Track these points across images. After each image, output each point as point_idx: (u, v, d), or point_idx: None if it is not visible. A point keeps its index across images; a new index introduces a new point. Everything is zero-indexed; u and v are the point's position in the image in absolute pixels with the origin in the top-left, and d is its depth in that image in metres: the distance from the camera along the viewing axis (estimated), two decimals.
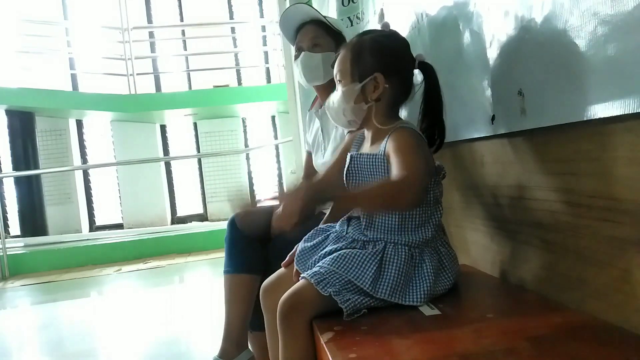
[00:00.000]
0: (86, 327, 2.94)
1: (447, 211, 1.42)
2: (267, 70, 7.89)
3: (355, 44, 1.05)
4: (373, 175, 1.01)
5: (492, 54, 1.06)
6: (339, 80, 1.06)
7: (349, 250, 0.98)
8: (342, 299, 0.90)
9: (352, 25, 2.04)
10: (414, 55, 1.06)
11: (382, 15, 1.72)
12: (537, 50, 0.90)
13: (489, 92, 1.09)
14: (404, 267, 0.94)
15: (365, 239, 1.00)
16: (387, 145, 0.98)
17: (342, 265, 0.94)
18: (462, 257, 1.36)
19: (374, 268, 0.93)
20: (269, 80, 7.84)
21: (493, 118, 1.08)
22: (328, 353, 0.79)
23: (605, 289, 0.82)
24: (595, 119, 0.78)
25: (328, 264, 0.95)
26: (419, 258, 0.97)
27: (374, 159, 1.01)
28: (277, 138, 7.86)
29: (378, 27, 1.14)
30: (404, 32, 1.53)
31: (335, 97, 1.06)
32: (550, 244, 0.97)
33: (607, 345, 0.71)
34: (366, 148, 1.06)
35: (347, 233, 1.04)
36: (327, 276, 0.92)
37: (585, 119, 0.80)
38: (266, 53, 7.75)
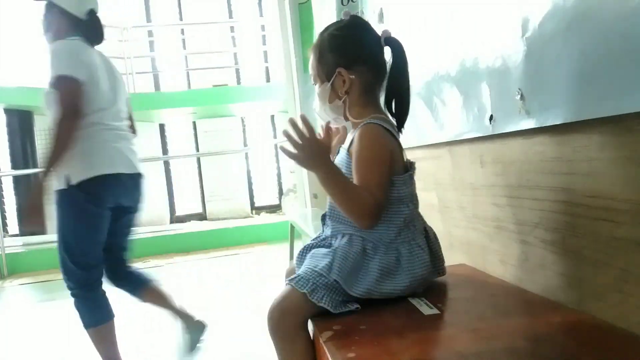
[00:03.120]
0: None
1: (446, 211, 1.43)
2: (267, 70, 7.89)
3: (315, 45, 1.05)
4: (346, 171, 0.99)
5: (491, 53, 1.06)
6: (314, 84, 1.07)
7: (320, 247, 0.99)
8: (317, 296, 0.91)
9: None
10: (380, 33, 1.04)
11: (381, 15, 1.72)
12: (536, 50, 0.90)
13: (487, 92, 1.09)
14: (353, 256, 0.94)
15: (331, 234, 1.01)
16: (353, 143, 0.98)
17: (312, 262, 0.95)
18: (461, 256, 1.36)
19: (331, 256, 0.94)
20: (268, 80, 7.84)
21: (492, 118, 1.08)
22: (327, 352, 0.79)
23: (604, 288, 0.83)
24: (594, 119, 0.78)
25: (305, 265, 0.97)
26: (371, 253, 0.95)
27: (345, 155, 1.02)
28: (277, 137, 7.86)
29: (375, 24, 1.14)
30: (402, 31, 1.53)
31: (315, 100, 1.08)
32: (549, 243, 0.97)
33: (606, 345, 0.71)
34: (347, 142, 1.05)
35: (323, 232, 1.06)
36: (303, 276, 0.94)
37: (583, 118, 0.80)
38: (265, 52, 7.74)
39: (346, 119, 1.05)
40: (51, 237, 6.56)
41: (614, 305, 0.80)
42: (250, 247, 4.85)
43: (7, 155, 6.94)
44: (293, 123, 0.89)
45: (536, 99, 0.92)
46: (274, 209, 7.74)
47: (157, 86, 7.79)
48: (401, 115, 1.04)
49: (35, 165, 6.83)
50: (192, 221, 7.31)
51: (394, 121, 1.04)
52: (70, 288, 1.78)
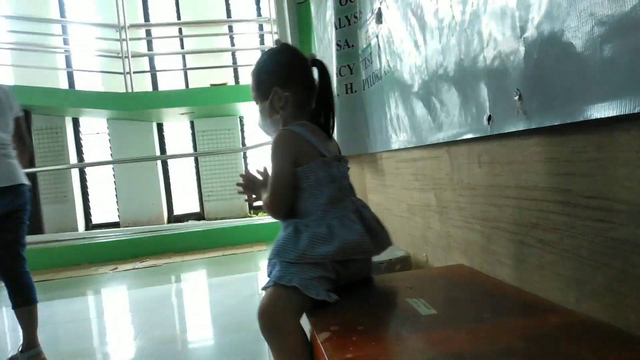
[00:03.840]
0: (82, 326, 2.93)
1: (444, 211, 1.43)
2: None
3: (253, 71, 1.23)
4: None
5: (489, 53, 1.06)
6: (256, 104, 1.25)
7: None
8: (287, 279, 1.02)
9: (349, 24, 2.04)
10: (307, 56, 1.20)
11: (379, 15, 1.72)
12: (534, 50, 0.90)
13: (485, 93, 1.09)
14: (285, 235, 1.11)
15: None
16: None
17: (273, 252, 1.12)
18: (459, 257, 1.36)
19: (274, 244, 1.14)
20: None
21: (490, 118, 1.08)
22: (324, 353, 0.79)
23: (602, 289, 0.83)
24: (592, 120, 0.78)
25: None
26: (303, 230, 1.10)
27: None
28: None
29: (374, 24, 1.14)
30: (400, 32, 1.53)
31: (258, 118, 1.26)
32: (547, 244, 0.97)
33: (604, 346, 0.71)
34: None
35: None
36: (269, 275, 1.09)
37: (582, 119, 0.80)
38: (263, 52, 7.73)
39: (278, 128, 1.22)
40: (49, 236, 6.58)
41: (612, 305, 0.80)
42: (249, 247, 4.84)
43: None
44: (242, 175, 1.29)
45: (534, 100, 0.92)
46: None
47: (155, 85, 7.78)
48: (328, 123, 1.22)
49: (32, 164, 6.80)
50: (190, 221, 7.31)
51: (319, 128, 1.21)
52: None
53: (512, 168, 1.06)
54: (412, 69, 1.48)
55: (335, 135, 2.17)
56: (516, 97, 0.96)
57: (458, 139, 1.25)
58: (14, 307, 2.24)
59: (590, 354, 0.69)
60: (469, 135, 1.19)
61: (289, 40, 3.54)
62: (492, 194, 1.17)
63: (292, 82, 1.18)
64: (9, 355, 2.26)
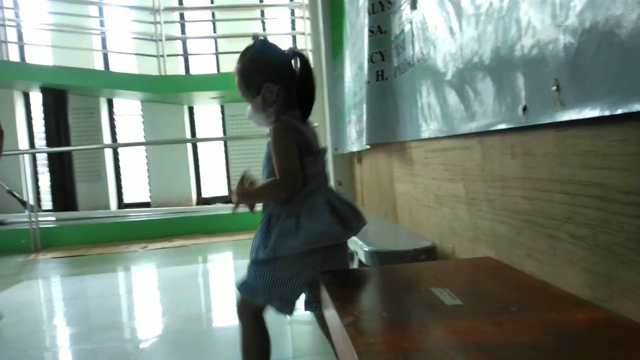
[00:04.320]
0: (112, 300, 3.04)
1: (473, 202, 1.41)
2: None
3: (239, 69, 1.29)
4: (266, 161, 1.30)
5: (527, 42, 1.03)
6: (246, 100, 1.32)
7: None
8: (254, 296, 1.29)
9: (383, 10, 2.02)
10: (286, 50, 1.29)
11: (414, 1, 1.69)
12: (575, 39, 0.87)
13: (521, 82, 1.06)
14: (260, 232, 1.26)
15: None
16: (270, 138, 1.26)
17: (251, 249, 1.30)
18: (487, 249, 1.34)
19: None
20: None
21: (525, 108, 1.05)
22: (348, 337, 0.79)
23: (635, 287, 0.80)
24: (632, 113, 0.75)
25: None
26: (274, 223, 1.23)
27: (267, 148, 1.30)
28: None
29: (408, 10, 1.12)
30: (434, 18, 1.50)
31: (250, 113, 1.33)
32: (579, 239, 0.94)
33: (633, 345, 0.70)
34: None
35: None
36: (244, 282, 1.31)
37: (622, 112, 0.77)
38: (294, 37, 7.72)
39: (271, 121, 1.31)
40: (82, 213, 6.80)
41: None
42: None
43: (42, 133, 7.16)
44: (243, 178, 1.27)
45: (573, 90, 0.89)
46: None
47: (187, 69, 7.88)
48: (307, 107, 1.30)
49: (68, 143, 7.03)
50: (217, 203, 7.43)
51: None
52: None
53: (546, 160, 1.04)
54: (446, 57, 1.45)
55: (364, 122, 2.16)
56: (554, 87, 0.94)
57: (491, 129, 1.22)
58: None
59: (619, 353, 0.67)
60: (503, 126, 1.16)
61: (320, 26, 3.53)
62: (524, 186, 1.14)
63: (280, 77, 1.27)
64: None
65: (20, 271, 3.93)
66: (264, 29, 7.91)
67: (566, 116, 0.91)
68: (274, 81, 1.26)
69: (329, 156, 3.62)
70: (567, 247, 0.98)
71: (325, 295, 1.07)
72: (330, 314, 0.99)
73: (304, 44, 6.99)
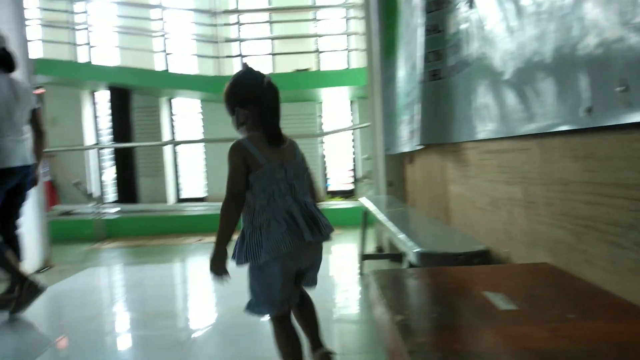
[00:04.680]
0: (168, 290, 3.19)
1: (530, 206, 1.37)
2: (348, 55, 7.88)
3: (224, 92, 1.55)
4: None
5: (592, 40, 0.98)
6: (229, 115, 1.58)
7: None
8: (257, 312, 1.54)
9: (439, 8, 1.99)
10: (263, 79, 1.51)
11: (471, 1, 1.66)
12: None
13: (586, 82, 1.02)
14: (238, 243, 1.46)
15: None
16: None
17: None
18: (544, 255, 1.30)
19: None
20: (349, 65, 7.83)
21: (590, 110, 1.01)
22: (399, 336, 0.80)
23: None
24: None
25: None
26: (247, 236, 1.43)
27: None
28: (353, 123, 7.86)
29: (465, 9, 1.11)
30: (493, 17, 1.47)
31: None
32: None
33: None
34: None
35: None
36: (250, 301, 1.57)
37: None
38: (348, 37, 7.73)
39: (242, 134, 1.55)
40: (143, 206, 7.16)
41: None
42: None
43: (109, 129, 7.60)
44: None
45: None
46: (348, 194, 7.78)
47: None
48: (269, 133, 1.52)
49: (131, 140, 7.42)
50: None
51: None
52: None
53: (611, 164, 0.99)
54: (505, 56, 1.41)
55: (416, 122, 2.14)
56: (620, 88, 0.89)
57: (552, 130, 1.18)
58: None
59: None
60: (565, 127, 1.12)
61: (374, 26, 3.52)
62: (586, 191, 1.10)
63: (249, 102, 1.49)
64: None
65: (85, 259, 4.20)
66: (319, 30, 7.98)
67: (633, 118, 0.87)
68: (242, 106, 1.50)
69: (380, 156, 3.61)
70: (631, 256, 0.94)
71: (375, 294, 1.08)
72: (380, 312, 1.00)
73: (358, 44, 6.99)
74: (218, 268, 1.43)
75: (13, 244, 2.77)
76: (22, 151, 2.71)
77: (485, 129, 1.60)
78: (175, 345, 2.12)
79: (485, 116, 1.58)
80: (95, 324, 2.47)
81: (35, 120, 2.82)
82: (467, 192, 1.93)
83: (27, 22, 3.73)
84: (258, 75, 1.53)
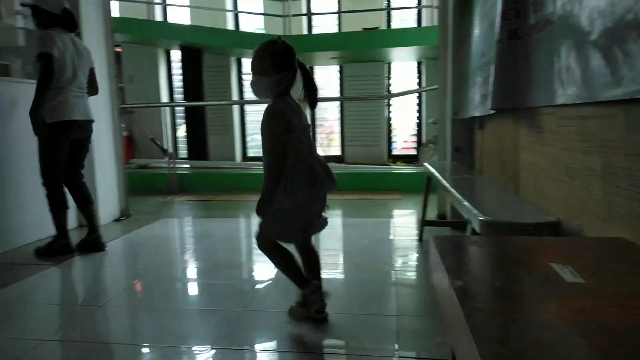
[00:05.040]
0: (234, 242, 3.36)
1: (610, 178, 1.28)
2: (419, 12, 7.55)
3: (259, 51, 1.76)
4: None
5: None
6: (258, 73, 1.77)
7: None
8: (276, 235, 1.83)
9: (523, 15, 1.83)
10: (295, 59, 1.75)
11: None
12: None
13: None
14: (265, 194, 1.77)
15: None
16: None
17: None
18: (620, 230, 1.22)
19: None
20: (419, 23, 7.51)
21: None
22: (456, 299, 0.80)
23: None
24: None
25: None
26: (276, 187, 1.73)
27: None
28: (422, 85, 7.60)
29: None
30: None
31: (256, 81, 1.78)
32: None
33: None
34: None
35: None
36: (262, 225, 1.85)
37: None
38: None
39: (271, 97, 1.76)
40: (212, 163, 7.48)
41: None
42: (385, 194, 4.92)
43: (180, 88, 7.90)
44: None
45: None
46: (411, 159, 7.65)
47: (310, 29, 8.01)
48: (312, 101, 1.79)
49: (202, 98, 7.68)
50: (331, 162, 7.63)
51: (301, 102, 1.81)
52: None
53: None
54: (593, 14, 1.29)
55: (490, 85, 2.03)
56: None
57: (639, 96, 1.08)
58: (80, 207, 3.07)
59: None
60: None
61: None
62: None
63: (291, 68, 1.72)
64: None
65: (160, 210, 4.50)
66: None
67: None
68: (283, 70, 1.71)
69: (447, 121, 3.49)
70: None
71: (434, 258, 1.08)
72: (438, 277, 0.99)
73: (431, 0, 6.65)
74: (264, 210, 1.76)
75: (79, 191, 3.02)
76: (84, 106, 2.93)
77: (565, 93, 1.49)
78: (239, 294, 2.25)
79: (567, 79, 1.47)
80: (166, 271, 2.67)
81: (91, 79, 3.03)
82: (540, 161, 1.83)
83: None
84: (292, 49, 1.75)
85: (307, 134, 1.77)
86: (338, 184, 1.84)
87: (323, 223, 1.88)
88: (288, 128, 1.69)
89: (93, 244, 3.01)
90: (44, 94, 2.68)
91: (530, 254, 1.06)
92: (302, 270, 1.86)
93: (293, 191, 1.69)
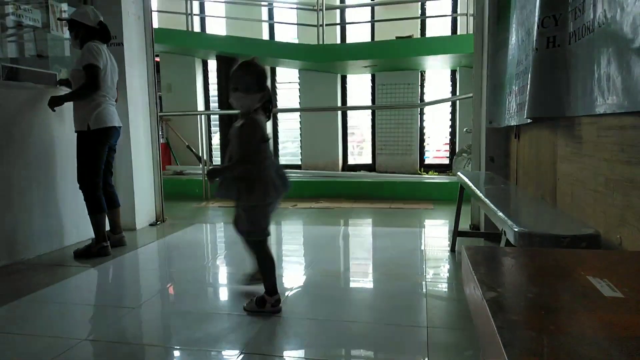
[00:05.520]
0: None
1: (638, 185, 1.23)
2: (454, 21, 7.48)
3: (239, 73, 2.02)
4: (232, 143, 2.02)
5: None
6: (237, 91, 2.01)
7: None
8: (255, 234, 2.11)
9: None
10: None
11: None
12: None
13: None
14: (238, 187, 2.02)
15: None
16: (239, 126, 1.98)
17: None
18: None
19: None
20: (454, 32, 7.44)
21: None
22: (488, 311, 0.78)
23: None
24: None
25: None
26: (251, 186, 1.99)
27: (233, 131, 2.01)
28: (456, 93, 7.50)
29: None
30: None
31: (237, 97, 2.01)
32: None
33: None
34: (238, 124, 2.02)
35: None
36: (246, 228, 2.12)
37: None
38: (455, 1, 7.31)
39: (244, 112, 2.01)
40: None
41: None
42: (416, 204, 4.87)
43: (216, 96, 8.07)
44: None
45: None
46: (444, 169, 7.53)
47: (343, 38, 8.05)
48: (268, 115, 2.06)
49: None
50: (362, 171, 7.61)
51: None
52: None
53: None
54: (637, 21, 1.25)
55: (527, 94, 2.00)
56: None
57: None
58: (108, 208, 3.15)
59: None
60: None
61: None
62: None
63: (258, 88, 1.98)
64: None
65: (194, 215, 4.60)
66: None
67: None
68: (254, 90, 1.97)
69: (482, 130, 3.43)
70: None
71: (467, 269, 1.06)
72: (471, 288, 0.98)
73: (466, 8, 6.58)
74: (212, 179, 2.05)
75: (109, 194, 3.18)
76: (117, 114, 3.14)
77: (605, 102, 1.45)
78: None
79: (607, 88, 1.43)
80: (199, 275, 2.72)
81: (117, 88, 3.23)
82: (579, 172, 1.77)
83: None
84: (262, 69, 2.04)
85: (269, 143, 2.10)
86: (291, 189, 2.15)
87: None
88: (264, 138, 1.99)
89: (116, 242, 3.22)
90: (78, 99, 2.95)
91: (566, 267, 1.03)
92: (275, 280, 2.12)
93: (264, 191, 1.98)
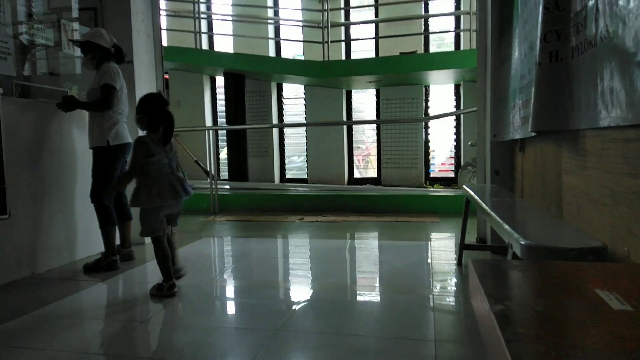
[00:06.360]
0: (271, 262, 3.39)
1: None
2: (457, 36, 7.54)
3: (147, 103, 2.60)
4: None
5: None
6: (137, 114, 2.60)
7: None
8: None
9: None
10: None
11: None
12: None
13: None
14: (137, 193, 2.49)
15: None
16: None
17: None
18: None
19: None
20: (457, 47, 7.50)
21: None
22: (496, 324, 0.79)
23: None
24: None
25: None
26: (146, 190, 2.46)
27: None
28: (460, 107, 7.53)
29: None
30: None
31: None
32: None
33: None
34: None
35: None
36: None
37: None
38: (458, 18, 7.39)
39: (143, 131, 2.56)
40: (251, 184, 7.59)
41: None
42: (421, 217, 4.86)
43: (223, 112, 8.14)
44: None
45: None
46: (449, 182, 7.53)
47: (348, 54, 8.13)
48: (166, 136, 2.54)
49: (244, 122, 7.89)
50: (367, 184, 7.62)
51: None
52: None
53: None
54: (638, 35, 1.27)
55: (531, 107, 2.01)
56: None
57: None
58: (119, 221, 3.23)
59: None
60: None
61: (489, 5, 3.32)
62: None
63: (155, 113, 2.51)
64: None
65: (201, 229, 4.61)
66: (427, 10, 7.72)
67: None
68: (151, 113, 2.51)
69: (486, 143, 3.44)
70: None
71: (474, 282, 1.06)
72: (478, 301, 0.98)
73: (469, 24, 6.64)
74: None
75: (121, 207, 3.24)
76: (126, 131, 3.23)
77: (609, 115, 1.46)
78: (276, 314, 2.27)
79: (610, 101, 1.44)
80: (206, 289, 2.72)
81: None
82: (584, 184, 1.78)
83: (160, 13, 4.12)
84: (162, 98, 2.61)
85: (169, 158, 2.51)
86: (192, 195, 2.58)
87: (175, 221, 2.66)
88: (148, 153, 2.42)
89: (125, 256, 3.26)
90: (92, 110, 3.09)
91: (574, 280, 1.03)
92: (171, 269, 2.56)
93: (156, 194, 2.42)
